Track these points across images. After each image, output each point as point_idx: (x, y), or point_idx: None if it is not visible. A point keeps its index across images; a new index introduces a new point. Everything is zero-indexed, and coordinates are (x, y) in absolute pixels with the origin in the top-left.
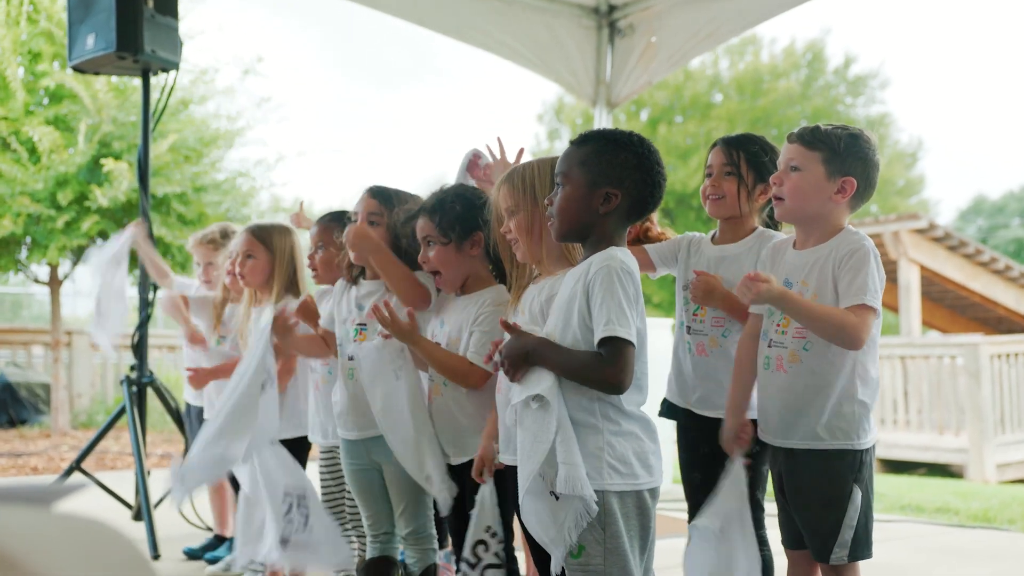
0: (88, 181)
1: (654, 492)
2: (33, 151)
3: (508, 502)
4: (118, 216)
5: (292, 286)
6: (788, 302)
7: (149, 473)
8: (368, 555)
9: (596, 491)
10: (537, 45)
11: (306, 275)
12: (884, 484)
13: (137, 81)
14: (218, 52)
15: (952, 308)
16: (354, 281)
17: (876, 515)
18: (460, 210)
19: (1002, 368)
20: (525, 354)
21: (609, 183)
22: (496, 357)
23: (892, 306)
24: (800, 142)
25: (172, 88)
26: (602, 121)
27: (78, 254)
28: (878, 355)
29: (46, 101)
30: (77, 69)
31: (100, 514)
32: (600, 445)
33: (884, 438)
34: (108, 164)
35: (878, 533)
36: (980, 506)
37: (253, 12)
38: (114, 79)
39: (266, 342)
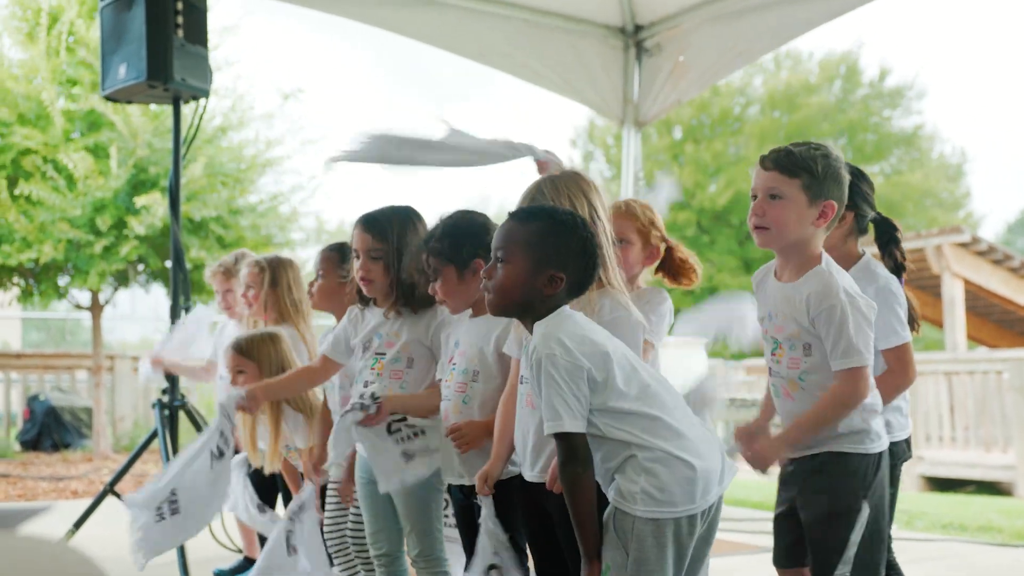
0: (126, 207)
1: (692, 519)
2: (71, 178)
3: (513, 516)
4: (156, 241)
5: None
6: (797, 438)
7: None
8: None
9: (624, 513)
10: (562, 66)
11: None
12: (926, 502)
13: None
14: (259, 79)
15: (999, 322)
16: (366, 304)
17: (914, 534)
18: (459, 239)
19: None
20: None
21: (555, 266)
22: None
23: (936, 321)
24: (778, 169)
25: (202, 115)
26: (630, 141)
27: (118, 279)
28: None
29: (87, 129)
30: (110, 98)
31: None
32: (637, 471)
33: (929, 455)
34: (141, 200)
35: (914, 552)
36: None
37: (303, 36)
38: (150, 106)
39: (221, 416)
